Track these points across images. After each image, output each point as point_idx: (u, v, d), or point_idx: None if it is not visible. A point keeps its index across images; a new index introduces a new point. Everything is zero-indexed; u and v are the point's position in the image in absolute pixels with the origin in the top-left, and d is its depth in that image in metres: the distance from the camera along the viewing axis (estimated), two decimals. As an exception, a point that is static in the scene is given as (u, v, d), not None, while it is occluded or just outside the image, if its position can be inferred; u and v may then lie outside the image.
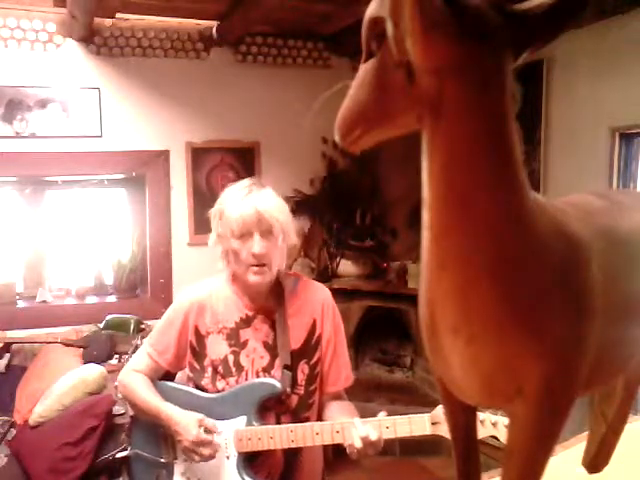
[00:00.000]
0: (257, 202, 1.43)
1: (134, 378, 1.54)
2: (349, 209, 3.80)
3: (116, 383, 1.63)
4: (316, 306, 1.53)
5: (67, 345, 2.95)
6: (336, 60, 3.80)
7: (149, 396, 1.49)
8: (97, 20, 3.16)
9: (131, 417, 1.61)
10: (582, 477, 0.94)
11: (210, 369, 1.50)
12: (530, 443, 0.59)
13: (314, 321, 1.52)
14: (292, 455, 1.47)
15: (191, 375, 1.53)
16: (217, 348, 1.50)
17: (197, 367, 1.52)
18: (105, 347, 2.93)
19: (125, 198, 3.69)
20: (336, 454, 3.19)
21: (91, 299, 3.50)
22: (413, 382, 3.64)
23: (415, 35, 0.49)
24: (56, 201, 3.57)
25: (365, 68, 0.57)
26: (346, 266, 3.74)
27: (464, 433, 0.71)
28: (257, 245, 1.42)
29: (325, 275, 3.72)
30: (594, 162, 2.77)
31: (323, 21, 3.41)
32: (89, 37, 3.23)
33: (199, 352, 1.51)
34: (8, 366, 2.93)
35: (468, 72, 0.51)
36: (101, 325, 3.12)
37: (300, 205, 3.79)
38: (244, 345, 1.49)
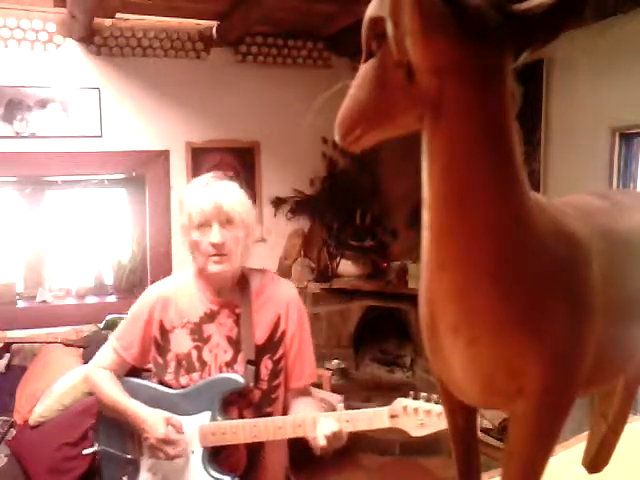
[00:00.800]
0: (215, 193, 1.45)
1: (100, 374, 1.55)
2: (349, 209, 3.80)
3: None
4: (281, 302, 1.54)
5: (67, 345, 2.94)
6: (336, 60, 3.80)
7: (115, 393, 1.50)
8: (97, 20, 3.16)
9: (98, 414, 1.61)
10: (582, 477, 0.94)
11: (173, 364, 1.51)
12: (530, 443, 0.59)
13: (278, 317, 1.53)
14: (255, 449, 1.49)
15: (155, 370, 1.54)
16: (181, 343, 1.51)
17: (160, 362, 1.53)
18: (105, 347, 2.93)
19: (125, 198, 3.69)
20: (336, 454, 3.20)
21: (91, 299, 3.50)
22: (413, 382, 3.64)
23: (415, 35, 0.49)
24: (56, 201, 3.57)
25: (365, 68, 0.57)
26: (346, 266, 3.74)
27: (464, 433, 0.71)
28: (215, 235, 1.43)
29: (325, 275, 3.73)
30: (594, 162, 2.77)
31: (323, 21, 3.41)
32: (89, 37, 3.23)
33: (163, 347, 1.52)
34: (8, 366, 2.94)
35: (468, 72, 0.51)
36: (101, 325, 3.12)
37: (300, 205, 3.79)
38: (207, 340, 1.50)
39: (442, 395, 0.70)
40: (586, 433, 0.94)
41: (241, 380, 1.45)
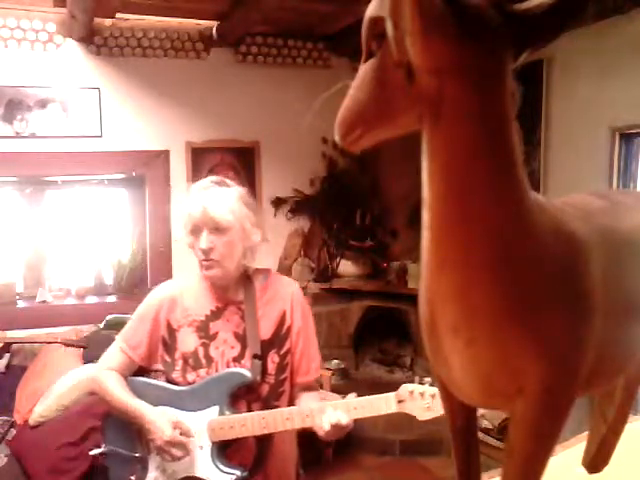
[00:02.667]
0: (205, 200, 1.47)
1: (107, 376, 1.55)
2: (349, 209, 3.80)
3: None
4: (286, 298, 1.57)
5: (67, 345, 2.94)
6: (336, 60, 3.80)
7: (121, 394, 1.51)
8: (97, 20, 3.16)
9: (105, 414, 1.61)
10: (582, 477, 0.94)
11: (181, 362, 1.52)
12: (530, 443, 0.59)
13: (284, 312, 1.55)
14: (264, 443, 1.50)
15: (163, 369, 1.56)
16: (187, 341, 1.53)
17: (168, 360, 1.54)
18: (105, 347, 2.91)
19: (125, 198, 3.69)
20: (336, 454, 3.20)
21: (91, 299, 3.50)
22: (413, 382, 3.64)
23: (415, 35, 0.49)
24: (56, 201, 3.57)
25: (365, 68, 0.57)
26: (346, 266, 3.74)
27: (464, 433, 0.71)
28: (203, 241, 1.46)
29: (325, 275, 3.73)
30: (594, 162, 2.77)
31: (323, 21, 3.41)
32: (89, 37, 3.23)
33: (170, 345, 1.54)
34: (8, 366, 2.93)
35: (468, 72, 0.51)
36: (101, 325, 3.12)
37: (300, 205, 3.79)
38: (214, 337, 1.52)
39: (442, 395, 0.70)
40: (586, 433, 0.94)
41: (248, 374, 1.46)
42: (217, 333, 1.52)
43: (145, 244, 3.53)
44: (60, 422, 2.36)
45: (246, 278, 1.57)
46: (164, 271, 3.50)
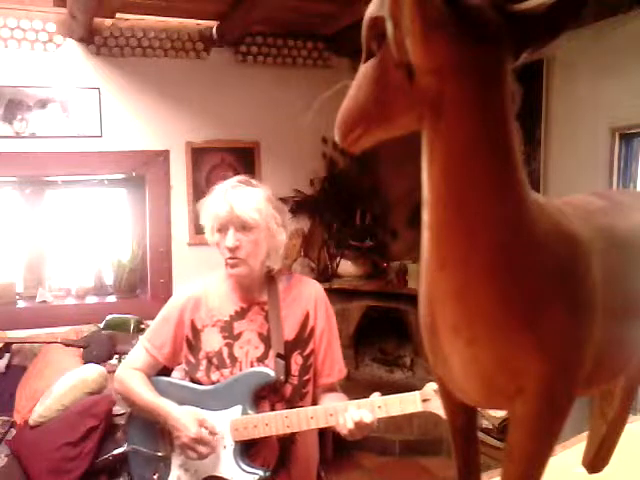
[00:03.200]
0: (233, 199, 1.48)
1: (131, 375, 1.56)
2: (349, 209, 3.80)
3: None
4: (309, 299, 1.58)
5: (67, 345, 2.94)
6: (336, 60, 3.80)
7: (146, 393, 1.52)
8: (97, 20, 3.16)
9: (128, 414, 1.62)
10: (582, 477, 0.94)
11: (205, 362, 1.53)
12: (530, 443, 0.59)
13: (307, 313, 1.56)
14: (287, 442, 1.51)
15: (187, 369, 1.57)
16: (211, 341, 1.53)
17: (192, 361, 1.55)
18: (105, 347, 2.93)
19: (125, 198, 3.69)
20: (336, 454, 3.20)
21: (91, 299, 3.50)
22: (413, 382, 3.64)
23: (415, 35, 0.49)
24: (56, 201, 3.57)
25: (365, 68, 0.57)
26: (346, 266, 3.74)
27: (464, 433, 0.71)
28: (229, 239, 1.47)
29: (325, 275, 3.72)
30: (594, 162, 2.77)
31: (323, 21, 3.41)
32: (89, 37, 3.23)
33: (194, 346, 1.55)
34: (8, 366, 2.93)
35: (468, 72, 0.51)
36: (101, 325, 3.12)
37: (300, 205, 3.79)
38: (238, 337, 1.53)
39: (442, 395, 0.70)
40: (586, 433, 0.94)
41: (272, 373, 1.46)
42: (241, 333, 1.53)
43: (145, 244, 3.54)
44: (60, 422, 2.36)
45: (270, 279, 1.58)
46: (164, 271, 3.50)
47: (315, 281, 1.67)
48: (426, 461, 3.20)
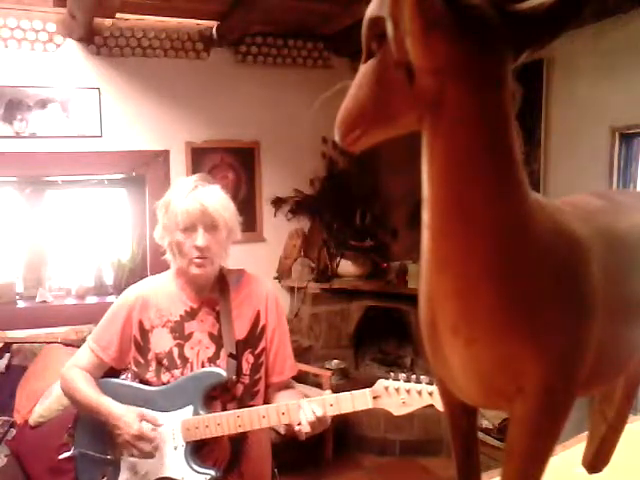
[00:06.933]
0: (202, 197, 1.46)
1: (75, 374, 1.54)
2: (349, 209, 3.80)
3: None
4: (260, 297, 1.57)
5: (67, 345, 2.95)
6: (336, 60, 3.80)
7: (89, 392, 1.50)
8: (97, 20, 3.16)
9: (74, 417, 1.59)
10: (582, 477, 0.94)
11: (154, 363, 1.51)
12: (530, 443, 0.59)
13: (258, 312, 1.55)
14: (238, 443, 1.50)
15: (136, 370, 1.55)
16: (161, 342, 1.52)
17: (141, 361, 1.53)
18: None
19: (125, 198, 3.69)
20: (336, 454, 3.20)
21: (91, 299, 3.50)
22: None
23: (415, 35, 0.49)
24: (56, 201, 3.57)
25: (365, 68, 0.57)
26: (346, 266, 3.74)
27: (464, 433, 0.71)
28: (200, 239, 1.45)
29: (325, 275, 3.72)
30: (594, 162, 2.77)
31: (323, 21, 3.41)
32: (89, 37, 3.23)
33: (143, 346, 1.53)
34: (8, 366, 2.93)
35: (468, 72, 0.51)
36: (101, 325, 3.12)
37: (300, 205, 3.79)
38: (189, 337, 1.51)
39: (442, 395, 0.70)
40: (586, 433, 0.94)
41: (224, 373, 1.46)
42: (192, 333, 1.52)
43: (145, 244, 3.53)
44: (60, 422, 2.36)
45: (221, 277, 1.56)
46: (164, 271, 3.50)
47: (266, 279, 1.67)
48: (426, 461, 3.20)
